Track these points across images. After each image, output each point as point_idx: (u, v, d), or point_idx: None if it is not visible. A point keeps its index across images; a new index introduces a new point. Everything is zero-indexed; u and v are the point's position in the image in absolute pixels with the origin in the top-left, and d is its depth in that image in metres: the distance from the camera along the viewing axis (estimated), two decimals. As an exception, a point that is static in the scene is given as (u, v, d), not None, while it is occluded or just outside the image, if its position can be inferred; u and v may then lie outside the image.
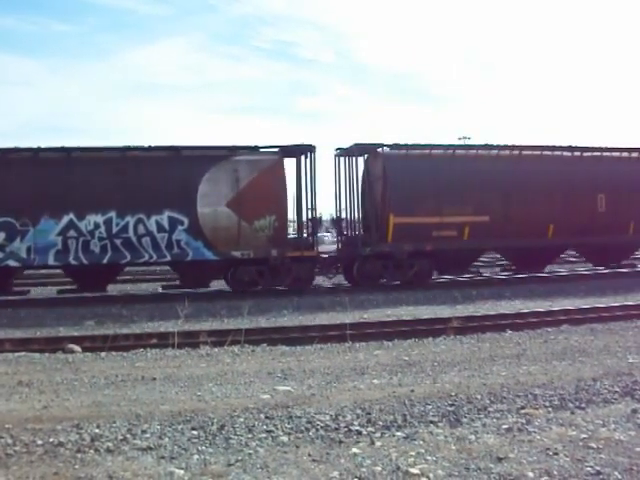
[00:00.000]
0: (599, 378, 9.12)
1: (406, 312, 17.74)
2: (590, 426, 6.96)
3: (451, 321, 15.11)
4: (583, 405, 7.89)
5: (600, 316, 15.54)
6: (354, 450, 6.30)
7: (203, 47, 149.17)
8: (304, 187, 23.12)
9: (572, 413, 7.54)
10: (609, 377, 9.17)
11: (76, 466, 5.94)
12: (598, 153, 26.44)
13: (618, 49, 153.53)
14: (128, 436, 6.77)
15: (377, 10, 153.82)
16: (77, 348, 13.04)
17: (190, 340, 13.27)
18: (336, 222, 25.76)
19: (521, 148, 25.23)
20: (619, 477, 5.54)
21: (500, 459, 5.97)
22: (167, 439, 6.68)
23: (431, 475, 5.65)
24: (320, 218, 25.86)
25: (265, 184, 22.11)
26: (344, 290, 22.25)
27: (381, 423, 7.21)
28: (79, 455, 6.23)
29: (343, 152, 24.48)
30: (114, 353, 12.33)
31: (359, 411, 7.65)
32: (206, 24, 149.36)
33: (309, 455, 6.18)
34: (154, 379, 9.79)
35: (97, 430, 6.96)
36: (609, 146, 26.85)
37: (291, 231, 24.64)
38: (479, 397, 8.25)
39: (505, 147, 25.21)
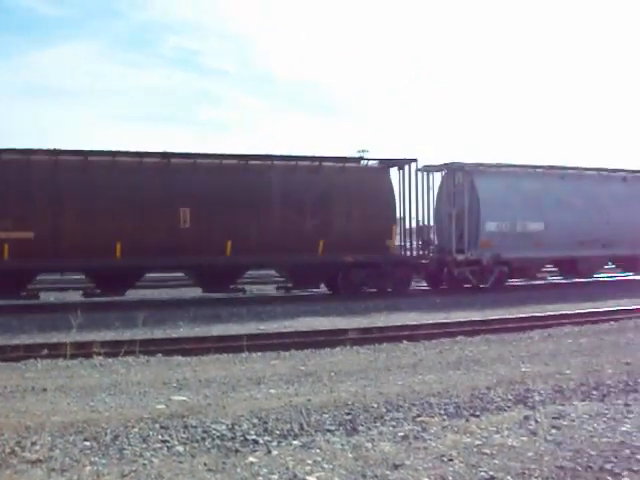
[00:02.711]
0: (493, 387, 9.30)
1: (303, 323, 17.73)
2: (484, 433, 7.07)
3: (348, 332, 15.19)
4: (477, 413, 8.02)
5: (494, 327, 15.87)
6: (251, 459, 6.23)
7: (106, 52, 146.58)
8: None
9: (467, 421, 7.65)
10: (502, 386, 9.37)
11: (-40, 479, 5.70)
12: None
13: (522, 61, 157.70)
14: (17, 449, 6.50)
15: (283, 20, 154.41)
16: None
17: (83, 351, 12.88)
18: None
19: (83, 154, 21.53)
20: (512, 481, 5.64)
21: (396, 466, 6.00)
22: (58, 451, 6.45)
23: (328, 483, 5.63)
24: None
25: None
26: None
27: (278, 432, 7.16)
28: (-37, 468, 5.97)
29: None
30: (2, 364, 11.90)
31: (256, 420, 7.58)
32: (109, 29, 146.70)
33: (205, 465, 6.08)
34: (45, 390, 9.48)
35: (-17, 443, 6.68)
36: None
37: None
38: (375, 406, 8.28)
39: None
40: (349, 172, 24.53)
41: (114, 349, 12.98)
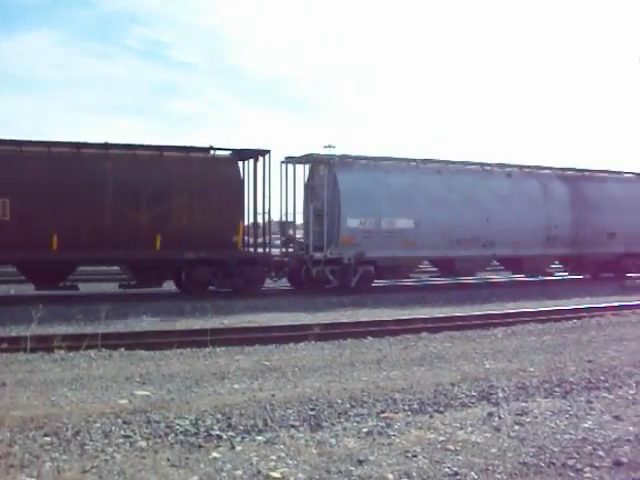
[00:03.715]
0: (457, 383, 9.34)
1: (268, 318, 17.67)
2: (448, 429, 7.10)
3: (313, 327, 15.17)
4: (441, 409, 8.04)
5: (458, 324, 15.94)
6: (214, 455, 6.20)
7: (72, 42, 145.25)
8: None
9: (431, 417, 7.66)
10: (466, 382, 9.41)
11: None
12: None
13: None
14: (-26, 444, 6.41)
15: (253, 14, 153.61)
16: None
17: (44, 344, 12.70)
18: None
19: None
20: (475, 477, 5.67)
21: (360, 462, 6.00)
22: (17, 447, 6.35)
23: (292, 479, 5.62)
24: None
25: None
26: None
27: (242, 427, 7.13)
28: None
29: None
30: (-40, 358, 11.72)
31: (219, 416, 7.54)
32: (75, 18, 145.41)
33: (168, 460, 6.03)
34: (4, 384, 9.30)
35: (-60, 438, 6.56)
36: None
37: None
38: (340, 402, 8.28)
39: None
40: (193, 163, 22.81)
41: (76, 343, 12.77)
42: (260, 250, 24.22)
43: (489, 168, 28.01)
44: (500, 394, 8.77)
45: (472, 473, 5.74)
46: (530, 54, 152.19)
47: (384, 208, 24.77)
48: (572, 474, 5.78)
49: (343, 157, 25.31)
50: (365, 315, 18.32)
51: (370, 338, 14.05)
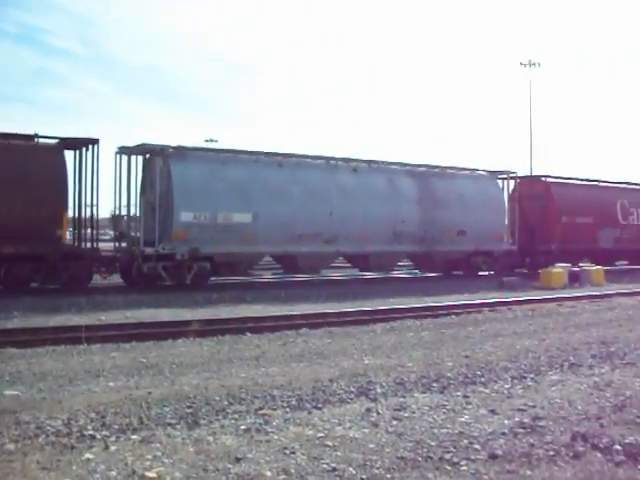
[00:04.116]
0: (336, 379, 9.35)
1: (146, 314, 17.34)
2: (326, 425, 7.09)
3: (191, 324, 14.98)
4: (320, 405, 8.04)
5: (338, 320, 16.00)
6: (87, 455, 6.00)
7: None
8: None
9: (309, 413, 7.64)
10: (345, 378, 9.43)
11: None
12: None
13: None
14: None
15: (129, 3, 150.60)
16: None
17: None
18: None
19: None
20: (353, 472, 5.67)
21: (238, 459, 5.93)
22: None
23: (168, 478, 5.50)
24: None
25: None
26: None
27: (116, 427, 6.95)
28: None
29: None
30: None
31: (93, 415, 7.32)
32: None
33: (38, 463, 5.80)
34: None
35: None
36: None
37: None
38: (218, 399, 8.18)
39: None
40: (15, 151, 21.61)
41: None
42: (89, 245, 23.31)
43: (334, 162, 27.65)
44: (378, 390, 8.83)
45: (350, 469, 5.74)
46: (405, 51, 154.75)
47: (221, 201, 24.03)
48: (449, 468, 5.85)
49: (179, 148, 24.44)
50: (245, 311, 18.19)
51: (249, 334, 13.97)
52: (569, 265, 30.10)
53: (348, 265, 31.08)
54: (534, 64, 74.34)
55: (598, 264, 31.62)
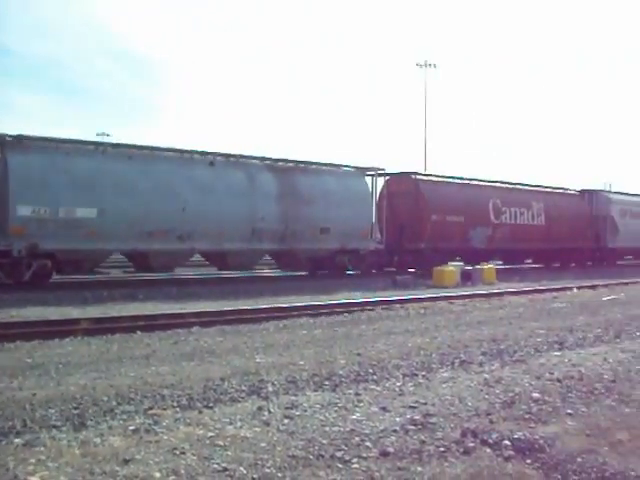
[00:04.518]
0: (227, 378, 9.26)
1: (32, 313, 16.82)
2: (217, 424, 7.00)
3: (80, 322, 14.62)
4: (211, 404, 7.95)
5: (230, 318, 15.86)
6: (-35, 461, 5.75)
7: None
8: None
9: (200, 412, 7.54)
10: (237, 377, 9.35)
11: None
12: None
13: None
14: None
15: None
16: None
17: None
18: None
19: None
20: (244, 472, 5.62)
21: (126, 461, 5.80)
22: None
23: (52, 482, 5.30)
24: None
25: None
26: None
27: (-2, 430, 6.69)
28: None
29: None
30: None
31: (-27, 418, 7.04)
32: None
33: None
34: None
35: None
36: None
37: None
38: (105, 399, 7.99)
39: None
40: None
41: None
42: None
43: (189, 156, 26.42)
44: (270, 388, 8.78)
45: (241, 468, 5.68)
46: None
47: (63, 195, 22.57)
48: (340, 465, 5.85)
49: (18, 137, 22.66)
50: (136, 309, 17.87)
51: (140, 333, 13.71)
52: (462, 264, 30.58)
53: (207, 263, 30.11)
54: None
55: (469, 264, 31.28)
